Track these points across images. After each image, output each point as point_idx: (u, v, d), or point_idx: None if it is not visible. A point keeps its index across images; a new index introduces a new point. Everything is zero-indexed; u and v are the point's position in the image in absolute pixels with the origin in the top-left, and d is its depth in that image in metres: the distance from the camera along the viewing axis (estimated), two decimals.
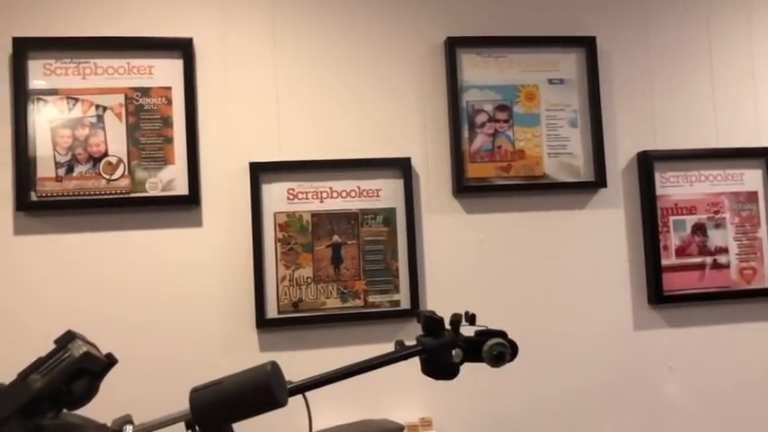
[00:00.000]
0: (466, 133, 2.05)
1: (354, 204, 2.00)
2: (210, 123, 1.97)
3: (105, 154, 1.89)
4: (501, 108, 2.08)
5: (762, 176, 2.20)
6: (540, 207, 2.10)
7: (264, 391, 0.89)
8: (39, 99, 1.87)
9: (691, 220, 2.15)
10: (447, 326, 1.06)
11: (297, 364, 1.82)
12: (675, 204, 2.15)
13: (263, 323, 1.92)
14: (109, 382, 0.99)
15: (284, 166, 1.97)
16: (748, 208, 2.19)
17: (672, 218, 2.14)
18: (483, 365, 1.06)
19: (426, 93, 2.08)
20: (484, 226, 2.07)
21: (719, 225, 2.16)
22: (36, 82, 1.87)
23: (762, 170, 2.20)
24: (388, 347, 1.05)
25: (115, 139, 1.90)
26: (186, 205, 1.93)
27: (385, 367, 1.02)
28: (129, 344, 1.85)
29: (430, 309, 1.52)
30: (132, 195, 1.89)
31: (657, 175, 2.13)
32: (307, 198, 1.98)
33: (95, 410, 0.93)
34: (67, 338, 0.92)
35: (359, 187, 2.00)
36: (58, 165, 1.87)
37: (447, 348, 1.03)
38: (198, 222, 1.94)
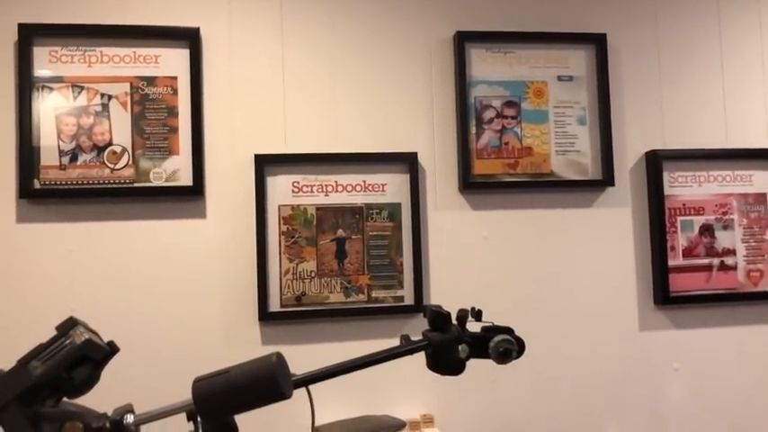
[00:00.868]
0: (473, 129, 2.04)
1: (360, 199, 1.98)
2: (216, 114, 1.95)
3: (110, 143, 1.88)
4: (509, 104, 2.07)
5: None
6: (547, 205, 2.09)
7: (269, 382, 0.87)
8: (44, 86, 1.86)
9: (698, 220, 2.13)
10: (453, 321, 1.04)
11: (298, 357, 1.80)
12: (683, 205, 2.13)
13: (265, 316, 1.90)
14: (110, 372, 0.98)
15: (290, 158, 1.95)
16: (756, 210, 2.17)
17: (679, 218, 2.12)
18: (486, 363, 1.05)
19: (434, 87, 2.06)
20: (490, 223, 2.06)
21: (727, 226, 2.14)
22: (41, 69, 1.86)
23: None
24: (391, 343, 1.03)
25: (120, 129, 1.88)
26: (190, 196, 1.91)
27: (387, 364, 1.01)
28: (131, 333, 1.85)
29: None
30: (136, 185, 1.88)
31: (666, 175, 2.11)
32: (312, 191, 1.96)
33: (96, 399, 0.92)
34: (69, 325, 0.91)
35: (364, 181, 1.99)
36: (62, 153, 1.85)
37: (453, 344, 1.02)
38: (202, 214, 1.93)
